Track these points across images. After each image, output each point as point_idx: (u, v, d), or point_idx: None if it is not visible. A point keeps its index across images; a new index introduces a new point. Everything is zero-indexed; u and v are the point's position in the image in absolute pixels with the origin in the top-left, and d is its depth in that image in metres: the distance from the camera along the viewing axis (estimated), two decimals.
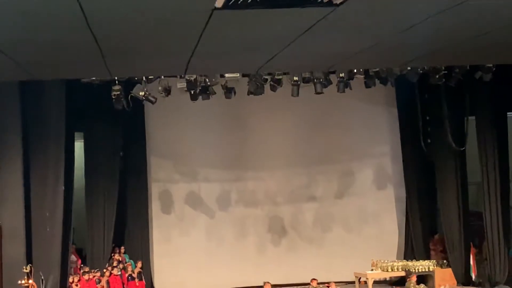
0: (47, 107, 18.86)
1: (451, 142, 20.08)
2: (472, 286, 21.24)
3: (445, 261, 22.07)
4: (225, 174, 24.44)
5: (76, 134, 21.98)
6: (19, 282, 15.83)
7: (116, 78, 17.51)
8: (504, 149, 20.83)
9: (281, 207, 24.75)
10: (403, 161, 23.88)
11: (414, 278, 19.85)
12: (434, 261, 21.91)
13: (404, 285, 19.97)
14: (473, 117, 21.20)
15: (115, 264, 21.76)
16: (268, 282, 19.26)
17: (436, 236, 23.25)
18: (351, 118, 24.29)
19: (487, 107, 20.91)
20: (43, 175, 18.71)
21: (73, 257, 21.23)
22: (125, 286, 21.80)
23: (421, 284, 19.96)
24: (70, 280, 19.52)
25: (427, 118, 22.74)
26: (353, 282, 22.56)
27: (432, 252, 22.93)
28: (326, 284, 19.09)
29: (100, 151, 21.68)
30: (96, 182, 21.79)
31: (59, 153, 19.06)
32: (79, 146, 22.11)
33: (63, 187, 19.12)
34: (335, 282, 19.58)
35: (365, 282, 22.07)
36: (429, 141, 22.31)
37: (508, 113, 20.83)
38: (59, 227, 18.83)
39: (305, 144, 24.20)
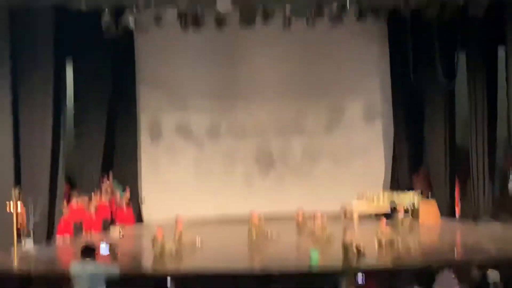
0: (36, 36, 18.67)
1: (440, 77, 20.07)
2: (455, 220, 21.52)
3: (429, 195, 22.34)
4: (215, 106, 24.47)
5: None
6: (8, 206, 15.92)
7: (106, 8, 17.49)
8: (494, 86, 20.85)
9: (270, 139, 24.88)
10: (392, 96, 23.99)
11: (400, 210, 20.07)
12: (419, 194, 22.15)
13: (391, 217, 20.18)
14: (464, 54, 21.16)
15: (103, 191, 21.94)
16: (254, 212, 19.44)
17: (422, 170, 23.44)
18: (343, 52, 24.23)
19: (478, 44, 20.84)
20: (32, 102, 18.64)
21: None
22: (113, 213, 22.03)
23: (408, 217, 20.16)
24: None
25: (418, 53, 22.69)
26: (339, 214, 22.80)
27: (417, 186, 23.16)
28: (313, 215, 19.27)
29: (89, 79, 21.60)
30: (85, 109, 21.81)
31: (48, 80, 18.96)
32: (68, 75, 22.00)
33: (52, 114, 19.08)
34: (322, 214, 19.75)
35: (351, 214, 22.33)
36: (419, 75, 22.30)
37: (499, 46, 20.70)
38: (48, 153, 18.86)
39: (295, 77, 24.20)
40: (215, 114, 24.64)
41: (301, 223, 19.75)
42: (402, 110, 23.83)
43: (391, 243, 16.92)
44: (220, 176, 24.30)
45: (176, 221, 18.23)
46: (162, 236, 16.71)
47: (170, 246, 16.75)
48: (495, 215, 20.84)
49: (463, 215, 21.50)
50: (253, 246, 18.43)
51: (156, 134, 24.11)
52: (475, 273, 11.32)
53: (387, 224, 17.41)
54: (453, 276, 8.43)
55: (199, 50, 23.96)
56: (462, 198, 21.57)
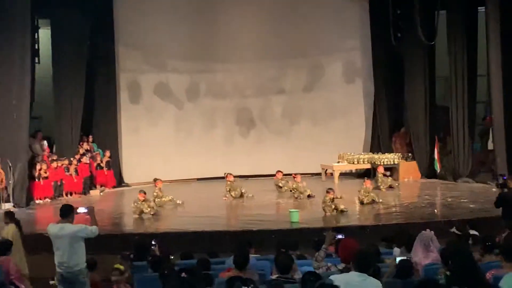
0: None
1: (421, 36, 19.99)
2: (435, 179, 21.66)
3: (409, 155, 22.44)
4: (194, 66, 24.31)
5: (43, 22, 21.65)
6: None
7: None
8: (473, 44, 20.85)
9: (250, 100, 24.82)
10: (372, 55, 23.89)
11: (381, 170, 20.19)
12: (399, 154, 22.23)
13: (370, 177, 20.31)
14: (444, 12, 21.10)
15: (82, 152, 21.83)
16: (230, 174, 19.47)
17: (402, 130, 23.50)
18: (322, 11, 24.05)
19: (459, 2, 20.82)
20: (9, 64, 18.41)
21: (42, 144, 21.23)
22: (93, 174, 21.97)
23: (389, 177, 20.30)
24: (38, 167, 19.55)
25: (398, 12, 22.54)
26: (319, 174, 22.89)
27: (397, 146, 23.24)
28: (293, 175, 19.33)
29: (67, 39, 21.34)
30: (64, 71, 21.56)
31: (25, 41, 18.71)
32: (46, 34, 21.77)
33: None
34: (301, 174, 19.83)
35: (331, 174, 22.41)
36: (399, 35, 22.20)
37: (479, 8, 20.69)
38: (26, 115, 18.69)
39: (274, 37, 24.03)
40: (195, 75, 24.50)
41: (281, 183, 19.80)
42: (383, 70, 23.78)
43: (372, 201, 17.03)
44: (200, 137, 24.24)
45: (155, 182, 18.31)
46: (143, 196, 16.72)
47: (150, 205, 16.75)
48: (474, 174, 20.97)
49: (443, 173, 21.60)
50: (232, 205, 18.56)
51: (135, 95, 23.94)
52: (455, 230, 11.43)
53: (367, 183, 17.49)
54: (433, 233, 8.47)
55: (178, 10, 23.73)
56: (441, 157, 21.65)
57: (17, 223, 11.23)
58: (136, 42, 23.53)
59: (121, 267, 9.65)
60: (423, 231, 8.54)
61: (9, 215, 11.50)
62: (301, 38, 24.06)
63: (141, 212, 16.53)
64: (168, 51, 23.91)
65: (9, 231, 10.45)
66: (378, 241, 10.92)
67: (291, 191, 19.09)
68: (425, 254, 8.27)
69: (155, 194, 17.81)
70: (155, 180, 18.61)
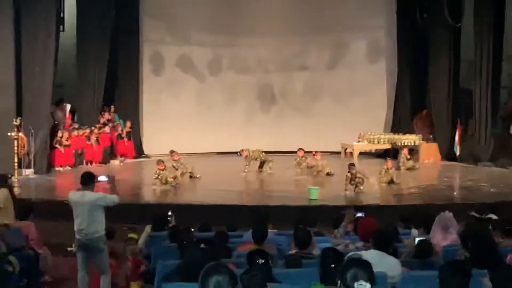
0: None
1: (447, 17, 19.83)
2: (455, 161, 21.55)
3: (431, 137, 22.32)
4: (217, 39, 24.28)
5: None
6: (9, 134, 15.89)
7: None
8: (500, 28, 20.58)
9: (272, 75, 24.78)
10: (397, 35, 23.68)
11: (405, 151, 20.13)
12: (420, 135, 22.11)
13: (391, 157, 20.18)
14: None
15: (103, 122, 21.93)
16: (245, 150, 19.35)
17: (424, 112, 23.39)
18: None
19: None
20: (34, 30, 18.45)
21: (64, 113, 21.35)
22: (114, 144, 22.07)
23: (410, 160, 20.22)
24: (59, 135, 19.67)
25: None
26: (339, 153, 22.85)
27: (418, 127, 23.11)
28: (313, 153, 19.32)
29: (92, 8, 21.33)
30: (88, 40, 21.55)
31: (50, 9, 18.73)
32: (72, 2, 21.78)
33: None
34: (321, 152, 19.81)
35: (351, 153, 22.36)
36: (425, 15, 22.05)
37: None
38: (49, 83, 18.75)
39: (299, 13, 23.93)
40: (218, 48, 24.47)
41: (301, 160, 19.77)
42: (407, 50, 23.60)
43: (391, 181, 16.99)
44: (221, 111, 24.24)
45: (172, 154, 18.32)
46: (162, 166, 16.77)
47: (174, 176, 16.82)
48: (494, 158, 20.83)
49: (464, 157, 21.49)
50: (251, 180, 18.59)
51: (158, 67, 23.97)
52: (474, 213, 11.38)
53: (389, 163, 17.45)
54: (452, 216, 8.44)
55: None
56: (463, 140, 21.54)
57: (10, 188, 11.10)
58: (161, 13, 23.51)
59: (135, 236, 9.70)
60: (442, 213, 8.51)
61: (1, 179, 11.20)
62: (326, 14, 23.94)
63: (166, 181, 16.58)
64: (192, 24, 23.88)
65: (0, 195, 10.36)
66: (397, 221, 10.89)
67: (310, 167, 19.08)
68: (444, 236, 8.24)
69: (175, 165, 17.86)
70: (172, 152, 18.65)
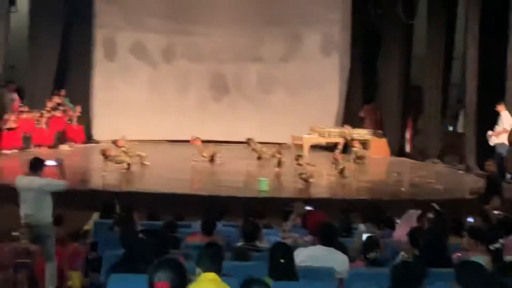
0: None
1: (400, 14, 19.99)
2: (404, 157, 21.77)
3: (380, 131, 22.47)
4: (171, 26, 24.09)
5: None
6: None
7: None
8: (452, 25, 20.83)
9: (226, 65, 24.68)
10: (351, 30, 23.77)
11: (356, 143, 20.24)
12: (371, 130, 22.24)
13: (342, 150, 20.25)
14: None
15: (51, 106, 21.58)
16: (197, 138, 19.34)
17: (372, 104, 23.42)
18: None
19: None
20: None
21: (13, 95, 21.00)
22: (63, 129, 21.80)
23: (360, 150, 20.34)
24: (7, 117, 19.37)
25: None
26: (289, 145, 22.89)
27: (366, 119, 23.19)
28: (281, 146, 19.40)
29: None
30: (40, 22, 21.25)
31: None
32: None
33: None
34: (273, 144, 19.87)
35: (302, 146, 22.39)
36: (379, 11, 22.20)
37: None
38: None
39: (255, 4, 23.92)
40: (172, 35, 24.28)
41: (252, 151, 19.79)
42: (360, 45, 23.71)
43: (341, 172, 17.10)
44: (173, 99, 24.09)
45: (115, 142, 17.94)
46: (112, 153, 16.67)
47: (121, 160, 16.72)
48: (442, 156, 21.07)
49: (413, 153, 21.71)
50: (201, 169, 18.53)
51: (110, 52, 23.71)
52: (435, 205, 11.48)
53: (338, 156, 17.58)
54: (419, 212, 8.58)
55: None
56: (412, 137, 21.76)
57: None
58: None
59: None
60: (410, 210, 8.63)
61: None
62: (282, 6, 23.89)
63: (119, 162, 16.51)
64: (146, 9, 23.66)
65: None
66: (346, 214, 10.94)
67: (261, 158, 19.19)
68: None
69: (125, 150, 17.62)
70: (114, 141, 18.07)
